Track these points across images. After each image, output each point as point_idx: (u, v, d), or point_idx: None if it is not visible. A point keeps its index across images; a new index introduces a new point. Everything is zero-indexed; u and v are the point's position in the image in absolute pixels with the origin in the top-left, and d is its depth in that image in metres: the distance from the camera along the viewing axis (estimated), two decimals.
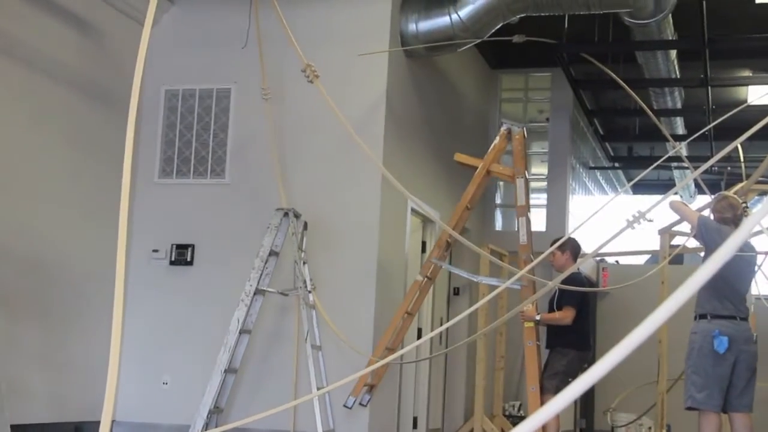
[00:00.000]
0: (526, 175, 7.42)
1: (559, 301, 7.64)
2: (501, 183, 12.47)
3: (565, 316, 7.52)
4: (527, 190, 7.44)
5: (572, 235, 7.35)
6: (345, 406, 7.44)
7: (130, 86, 2.92)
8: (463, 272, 8.33)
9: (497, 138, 7.60)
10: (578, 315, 7.60)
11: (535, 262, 5.86)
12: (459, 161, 7.69)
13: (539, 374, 7.28)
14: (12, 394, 6.34)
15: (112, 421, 8.31)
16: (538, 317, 7.46)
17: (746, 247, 6.06)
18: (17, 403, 6.84)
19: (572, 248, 7.75)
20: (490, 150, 7.56)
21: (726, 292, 6.05)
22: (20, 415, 6.86)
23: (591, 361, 7.85)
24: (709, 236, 6.11)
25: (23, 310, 7.33)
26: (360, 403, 7.61)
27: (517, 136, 7.48)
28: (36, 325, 7.51)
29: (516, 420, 10.65)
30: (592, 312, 13.42)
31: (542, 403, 7.27)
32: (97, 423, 2.78)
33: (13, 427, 5.87)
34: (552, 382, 7.44)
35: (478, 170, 7.55)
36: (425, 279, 7.55)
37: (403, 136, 8.60)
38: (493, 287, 7.68)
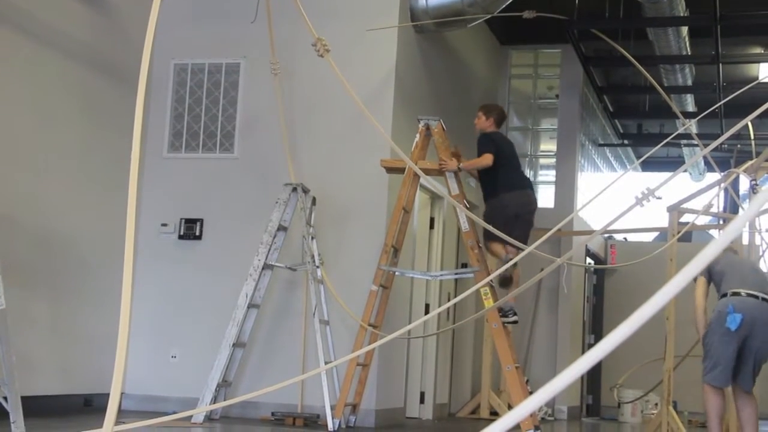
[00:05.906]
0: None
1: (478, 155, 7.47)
2: None
3: (484, 158, 7.35)
4: (458, 179, 7.42)
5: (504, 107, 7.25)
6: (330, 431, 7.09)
7: (139, 60, 2.91)
8: (416, 273, 8.30)
9: (417, 135, 7.55)
10: (499, 159, 7.38)
11: (536, 243, 5.85)
12: (384, 166, 7.64)
13: (511, 353, 7.24)
14: (22, 366, 6.37)
15: (121, 394, 8.36)
16: (460, 165, 7.38)
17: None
18: (27, 375, 6.88)
19: (497, 115, 7.72)
20: (413, 149, 7.51)
21: (750, 278, 6.14)
22: (30, 387, 6.91)
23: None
24: (716, 266, 6.26)
25: (33, 283, 7.37)
26: (347, 425, 7.45)
27: (436, 129, 7.46)
28: (46, 298, 7.55)
29: None
30: (599, 287, 13.52)
31: (488, 248, 7.43)
32: (107, 395, 2.80)
33: (23, 398, 5.90)
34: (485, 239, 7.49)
35: (405, 171, 7.50)
36: (380, 288, 7.47)
37: (412, 111, 8.58)
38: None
